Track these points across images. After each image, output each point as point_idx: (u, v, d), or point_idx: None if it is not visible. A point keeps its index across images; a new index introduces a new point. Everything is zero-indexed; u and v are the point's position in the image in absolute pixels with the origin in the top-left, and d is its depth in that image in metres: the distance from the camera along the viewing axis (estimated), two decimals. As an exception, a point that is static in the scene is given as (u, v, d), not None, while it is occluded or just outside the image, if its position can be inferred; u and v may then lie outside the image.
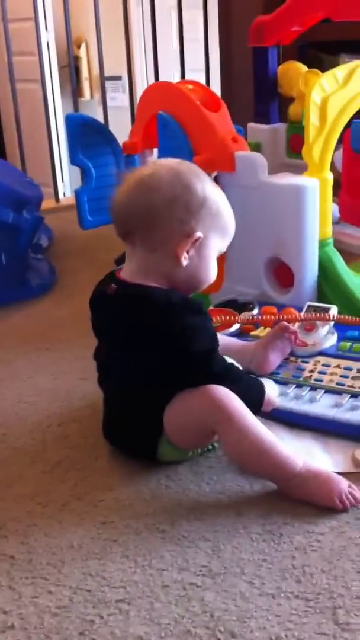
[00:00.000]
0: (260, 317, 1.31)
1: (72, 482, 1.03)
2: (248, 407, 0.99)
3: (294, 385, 1.17)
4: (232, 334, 1.29)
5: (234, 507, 0.96)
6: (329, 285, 1.40)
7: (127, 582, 0.84)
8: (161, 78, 2.67)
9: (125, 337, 1.02)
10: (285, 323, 1.21)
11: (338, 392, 1.14)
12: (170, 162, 1.06)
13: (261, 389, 1.09)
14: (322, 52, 2.48)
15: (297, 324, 1.25)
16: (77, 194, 1.75)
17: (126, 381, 1.04)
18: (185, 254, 1.02)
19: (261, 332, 1.30)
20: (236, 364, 1.09)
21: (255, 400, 1.06)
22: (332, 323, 1.26)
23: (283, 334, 1.20)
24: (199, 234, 1.02)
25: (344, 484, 0.96)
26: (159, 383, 1.02)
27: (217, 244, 1.06)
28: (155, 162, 1.07)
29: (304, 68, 1.86)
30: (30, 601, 0.83)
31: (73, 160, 1.74)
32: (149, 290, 1.01)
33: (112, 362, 1.07)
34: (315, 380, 1.17)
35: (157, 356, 1.01)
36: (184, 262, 1.02)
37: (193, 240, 1.02)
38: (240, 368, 1.10)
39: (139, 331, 1.01)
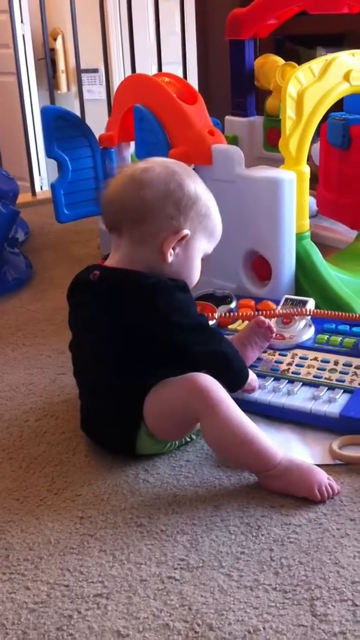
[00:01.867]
0: (237, 312, 1.31)
1: (50, 478, 1.03)
2: (238, 377, 1.04)
3: (272, 379, 1.17)
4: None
5: (212, 500, 0.96)
6: (306, 279, 1.40)
7: (105, 577, 0.84)
8: (138, 70, 2.66)
9: (108, 323, 1.02)
10: (261, 317, 1.21)
11: (315, 385, 1.14)
12: (166, 160, 1.09)
13: (247, 369, 1.12)
14: (298, 45, 2.49)
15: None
16: (53, 187, 1.74)
17: (105, 372, 1.03)
18: (171, 251, 1.03)
19: (239, 325, 1.30)
20: None
21: (245, 370, 1.10)
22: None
23: (259, 329, 1.20)
24: (186, 231, 1.03)
25: (323, 475, 0.96)
26: (140, 372, 1.01)
27: (203, 245, 1.08)
28: (151, 160, 1.08)
29: (281, 61, 1.86)
30: (7, 597, 0.82)
31: (49, 153, 1.73)
32: (136, 273, 1.02)
33: (91, 353, 1.06)
34: (293, 373, 1.18)
35: (140, 341, 1.00)
36: (170, 258, 1.03)
37: (180, 237, 1.03)
38: None
39: (125, 315, 1.01)
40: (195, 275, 1.08)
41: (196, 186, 1.05)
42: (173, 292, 1.01)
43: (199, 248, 1.07)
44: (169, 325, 1.00)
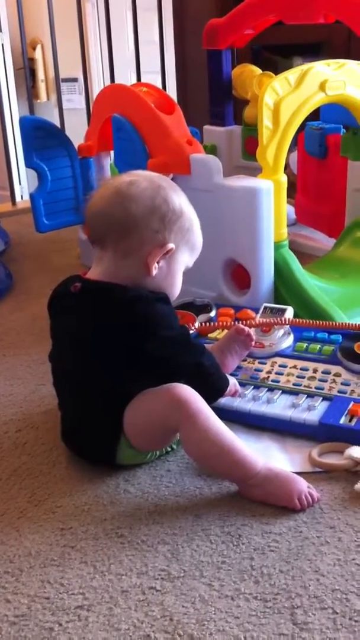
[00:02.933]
0: (217, 321, 1.32)
1: (30, 489, 1.02)
2: (216, 388, 1.05)
3: (252, 387, 1.17)
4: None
5: (192, 510, 0.96)
6: (285, 287, 1.41)
7: (85, 588, 0.84)
8: (117, 80, 2.67)
9: (88, 335, 1.02)
10: (241, 326, 1.21)
11: (295, 393, 1.15)
12: (151, 174, 1.09)
13: (227, 378, 1.13)
14: (275, 54, 2.51)
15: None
16: (33, 197, 1.74)
17: (85, 384, 1.03)
18: (155, 264, 1.04)
19: (219, 334, 1.31)
20: None
21: (224, 381, 1.10)
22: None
23: (239, 336, 1.20)
24: (171, 245, 1.05)
25: (303, 484, 0.96)
26: (120, 384, 1.01)
27: (185, 259, 1.09)
28: (135, 173, 1.09)
29: (258, 71, 1.88)
30: (-12, 611, 0.82)
31: (28, 163, 1.73)
32: (118, 286, 1.03)
33: (71, 364, 1.06)
34: (272, 381, 1.18)
35: (122, 353, 1.00)
36: (154, 271, 1.04)
37: (165, 251, 1.04)
38: None
39: (106, 326, 1.01)
40: (177, 288, 1.09)
41: (181, 201, 1.07)
42: (154, 304, 1.01)
43: (181, 262, 1.08)
44: (150, 338, 1.00)
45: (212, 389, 1.08)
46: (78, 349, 1.04)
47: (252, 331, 1.21)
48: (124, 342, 1.00)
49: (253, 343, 1.21)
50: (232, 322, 1.27)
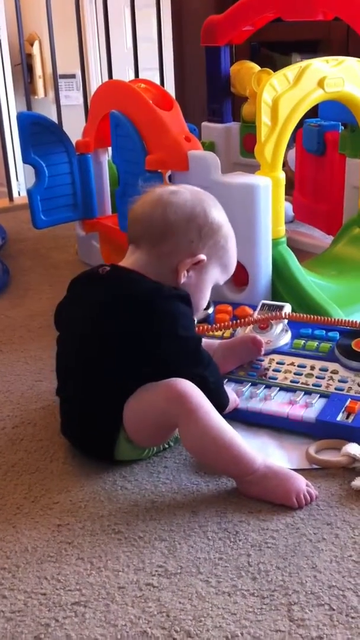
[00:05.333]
0: (236, 321, 1.28)
1: (26, 485, 1.02)
2: (215, 404, 1.00)
3: (249, 384, 1.17)
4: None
5: (189, 506, 0.96)
6: (282, 284, 1.41)
7: (82, 585, 0.84)
8: (115, 76, 2.66)
9: (105, 317, 1.02)
10: (258, 336, 1.21)
11: (292, 390, 1.15)
12: (196, 189, 1.12)
13: (227, 396, 1.09)
14: (274, 51, 2.50)
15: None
16: (30, 193, 1.73)
17: (88, 373, 1.03)
18: (185, 272, 1.06)
19: (223, 333, 1.30)
20: None
21: (223, 399, 1.08)
22: (286, 321, 1.27)
23: (251, 345, 1.21)
24: (203, 256, 1.06)
25: (302, 482, 0.96)
26: (122, 377, 1.01)
27: (215, 275, 1.11)
28: (182, 185, 1.12)
29: (256, 67, 1.88)
30: (-16, 607, 0.81)
31: (25, 159, 1.72)
32: (144, 277, 1.04)
33: (76, 352, 1.06)
34: (270, 378, 1.18)
35: (132, 343, 1.00)
36: (183, 279, 1.06)
37: (196, 261, 1.06)
38: None
39: (121, 315, 1.01)
40: (203, 301, 1.11)
41: (220, 217, 1.09)
42: (174, 301, 1.02)
43: (211, 276, 1.10)
44: (164, 333, 1.00)
45: (216, 394, 1.06)
46: (89, 333, 1.04)
47: (249, 327, 1.21)
48: (137, 331, 1.00)
49: (260, 356, 1.22)
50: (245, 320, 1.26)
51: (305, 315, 1.26)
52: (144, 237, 1.07)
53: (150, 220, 1.06)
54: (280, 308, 1.28)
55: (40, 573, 0.86)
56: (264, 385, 1.16)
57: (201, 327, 1.28)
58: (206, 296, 1.11)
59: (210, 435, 0.96)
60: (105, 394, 1.02)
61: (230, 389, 1.13)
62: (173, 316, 1.01)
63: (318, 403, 1.11)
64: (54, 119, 2.28)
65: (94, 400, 1.03)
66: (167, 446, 1.08)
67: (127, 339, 1.01)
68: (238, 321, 1.26)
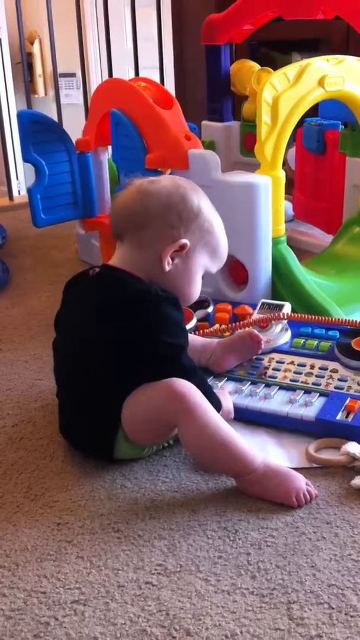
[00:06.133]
0: (234, 324, 1.28)
1: (27, 484, 1.02)
2: None
3: (249, 382, 1.17)
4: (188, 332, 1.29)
5: (189, 505, 0.96)
6: (282, 283, 1.41)
7: (82, 583, 0.84)
8: (115, 75, 2.66)
9: (97, 319, 1.02)
10: (255, 331, 1.21)
11: (292, 389, 1.15)
12: (176, 177, 1.12)
13: (219, 401, 1.07)
14: (274, 50, 2.50)
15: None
16: (30, 191, 1.73)
17: (86, 373, 1.03)
18: (169, 259, 1.05)
19: (215, 328, 1.30)
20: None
21: (213, 404, 1.04)
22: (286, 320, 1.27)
23: (250, 341, 1.20)
24: (185, 241, 1.05)
25: (302, 481, 0.96)
26: (120, 375, 1.01)
27: (204, 261, 1.09)
28: (161, 176, 1.13)
29: (257, 66, 1.88)
30: (-16, 605, 0.82)
31: (25, 158, 1.72)
32: (133, 277, 1.04)
33: (73, 353, 1.05)
34: (270, 377, 1.18)
35: (122, 345, 1.00)
36: (167, 267, 1.05)
37: (179, 246, 1.04)
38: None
39: (112, 315, 1.01)
40: (194, 290, 1.09)
41: (200, 201, 1.07)
42: (161, 304, 1.01)
43: (199, 263, 1.08)
44: (147, 337, 1.00)
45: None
46: (82, 335, 1.04)
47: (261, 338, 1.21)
48: (126, 335, 1.00)
49: (260, 352, 1.21)
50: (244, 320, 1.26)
51: (304, 315, 1.26)
52: (126, 230, 1.06)
53: (130, 211, 1.06)
54: (280, 307, 1.28)
55: (39, 571, 0.86)
56: (263, 384, 1.16)
57: (202, 331, 1.27)
58: (196, 285, 1.09)
59: (208, 434, 0.96)
60: (103, 395, 1.02)
61: (228, 401, 1.11)
62: (157, 321, 1.00)
63: (318, 402, 1.11)
64: (54, 117, 2.28)
65: (92, 400, 1.02)
66: (166, 445, 1.08)
67: (118, 342, 1.00)
68: (237, 323, 1.26)
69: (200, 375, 1.06)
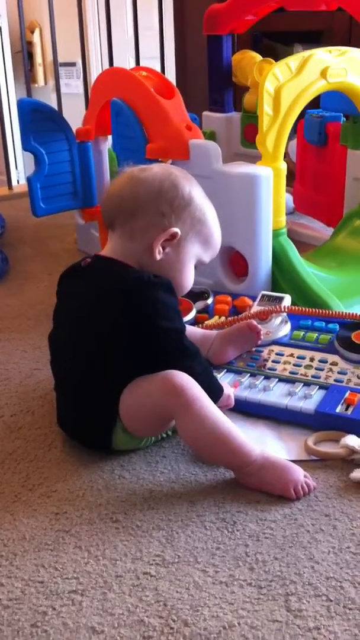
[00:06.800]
0: (233, 318, 1.27)
1: (25, 474, 1.02)
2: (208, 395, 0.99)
3: (248, 374, 1.17)
4: (187, 323, 1.28)
5: (187, 496, 0.96)
6: (282, 275, 1.40)
7: (80, 573, 0.84)
8: (115, 65, 2.65)
9: (91, 310, 1.02)
10: (254, 322, 1.21)
11: (291, 381, 1.15)
12: (168, 165, 1.11)
13: (220, 386, 1.08)
14: (276, 41, 2.49)
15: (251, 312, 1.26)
16: (30, 181, 1.73)
17: (83, 365, 1.02)
18: (160, 248, 1.04)
19: (215, 321, 1.30)
20: None
21: (215, 389, 1.05)
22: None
23: (249, 332, 1.20)
24: (175, 229, 1.04)
25: (300, 473, 0.96)
26: (118, 366, 1.00)
27: (196, 250, 1.08)
28: (154, 164, 1.11)
29: (258, 57, 1.87)
30: (-19, 594, 0.81)
31: (25, 146, 1.71)
32: (125, 265, 1.03)
33: (72, 344, 1.05)
34: (269, 369, 1.18)
35: (118, 335, 1.00)
36: (158, 256, 1.04)
37: (169, 234, 1.03)
38: None
39: (108, 302, 1.00)
40: (186, 279, 1.08)
41: (192, 189, 1.06)
42: (156, 290, 1.00)
43: (191, 252, 1.07)
44: (145, 324, 0.99)
45: (207, 385, 1.02)
46: (80, 327, 1.03)
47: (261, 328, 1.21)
48: (121, 325, 0.99)
49: (259, 342, 1.21)
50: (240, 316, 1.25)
51: (304, 308, 1.26)
52: (117, 218, 1.05)
53: (121, 199, 1.05)
54: (280, 299, 1.27)
55: (37, 561, 0.86)
56: (263, 376, 1.16)
57: (202, 325, 1.27)
58: (188, 274, 1.08)
59: (206, 428, 0.95)
60: (101, 386, 1.01)
61: (227, 387, 1.11)
62: (154, 307, 0.99)
63: (317, 394, 1.11)
64: (54, 107, 2.26)
65: (90, 392, 1.02)
66: (165, 435, 1.08)
67: (113, 333, 1.00)
68: (235, 317, 1.26)
69: (203, 358, 1.06)
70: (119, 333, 1.00)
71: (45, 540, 0.89)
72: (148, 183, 1.04)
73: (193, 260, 1.09)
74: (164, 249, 1.04)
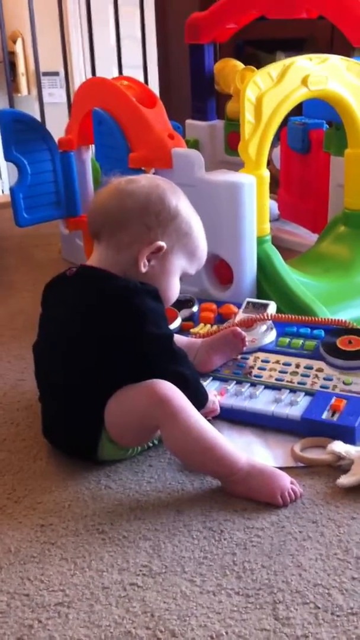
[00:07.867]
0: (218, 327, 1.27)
1: (9, 485, 1.01)
2: (194, 401, 0.99)
3: (234, 382, 1.17)
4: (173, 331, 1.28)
5: (174, 505, 0.96)
6: (267, 282, 1.41)
7: (66, 585, 0.83)
8: (98, 74, 2.65)
9: (78, 319, 1.01)
10: (238, 329, 1.21)
11: (277, 388, 1.14)
12: (155, 177, 1.11)
13: (206, 392, 1.08)
14: (258, 49, 2.50)
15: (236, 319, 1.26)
16: (12, 191, 1.72)
17: (68, 375, 1.02)
18: (145, 261, 1.04)
19: (200, 329, 1.30)
20: None
21: (201, 395, 1.05)
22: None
23: (233, 339, 1.20)
24: (161, 243, 1.04)
25: (286, 480, 0.96)
26: (107, 374, 1.00)
27: (181, 263, 1.09)
28: (141, 175, 1.11)
29: (240, 65, 1.87)
30: (-33, 608, 0.80)
31: (7, 157, 1.71)
32: (111, 274, 1.03)
33: (58, 353, 1.04)
34: (255, 376, 1.18)
35: (105, 343, 0.99)
36: (143, 268, 1.04)
37: (155, 247, 1.04)
38: None
39: (96, 310, 1.00)
40: (171, 291, 1.08)
41: (178, 202, 1.07)
42: (143, 297, 1.00)
43: (176, 265, 1.08)
44: (133, 331, 0.99)
45: (194, 392, 1.03)
46: (65, 337, 1.03)
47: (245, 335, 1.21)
48: (108, 331, 0.99)
49: (244, 349, 1.21)
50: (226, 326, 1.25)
51: (289, 316, 1.26)
52: (103, 230, 1.06)
53: (107, 211, 1.05)
54: (265, 306, 1.27)
55: (23, 574, 0.85)
56: (249, 384, 1.16)
57: (195, 335, 1.27)
58: (173, 287, 1.08)
59: (192, 437, 0.95)
60: (87, 395, 1.01)
61: (212, 394, 1.10)
62: (142, 314, 0.99)
63: (303, 401, 1.11)
64: (37, 116, 2.26)
65: (76, 401, 1.01)
66: (151, 445, 1.07)
67: (104, 340, 1.00)
68: (221, 326, 1.26)
69: (191, 363, 1.06)
70: (108, 341, 0.99)
71: (31, 552, 0.88)
72: (135, 195, 1.04)
73: (178, 272, 1.09)
74: (149, 261, 1.05)
